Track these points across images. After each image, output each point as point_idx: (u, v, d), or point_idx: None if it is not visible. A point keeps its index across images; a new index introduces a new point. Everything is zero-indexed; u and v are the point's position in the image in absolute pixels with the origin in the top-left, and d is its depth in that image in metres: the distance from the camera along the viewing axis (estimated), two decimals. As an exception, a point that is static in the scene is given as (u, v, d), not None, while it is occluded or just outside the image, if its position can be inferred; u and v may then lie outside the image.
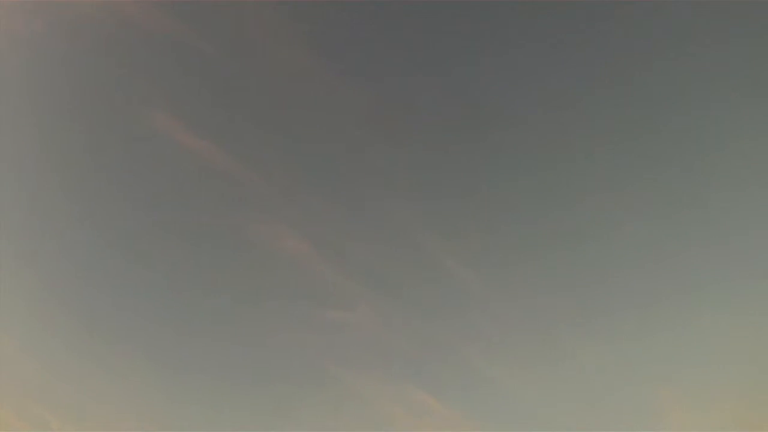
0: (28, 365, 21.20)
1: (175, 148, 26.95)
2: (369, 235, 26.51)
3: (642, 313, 22.63)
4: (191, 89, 27.81)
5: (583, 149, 25.25)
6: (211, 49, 28.26)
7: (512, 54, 26.83)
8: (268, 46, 28.37)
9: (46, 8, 26.89)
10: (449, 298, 24.66)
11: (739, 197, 22.64)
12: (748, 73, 23.52)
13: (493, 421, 21.70)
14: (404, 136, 27.18)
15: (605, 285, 23.53)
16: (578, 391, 22.38)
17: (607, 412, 21.35)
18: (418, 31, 27.12)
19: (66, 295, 23.71)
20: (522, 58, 26.67)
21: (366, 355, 23.81)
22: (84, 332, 22.69)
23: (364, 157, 27.47)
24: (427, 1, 26.09)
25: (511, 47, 26.82)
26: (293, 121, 28.32)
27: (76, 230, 25.57)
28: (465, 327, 24.00)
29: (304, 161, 28.07)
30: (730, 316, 21.01)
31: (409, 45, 27.93)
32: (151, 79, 28.41)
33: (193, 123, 27.58)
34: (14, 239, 23.74)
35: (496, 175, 26.04)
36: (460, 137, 26.85)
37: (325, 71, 27.95)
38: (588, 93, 25.60)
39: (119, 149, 26.82)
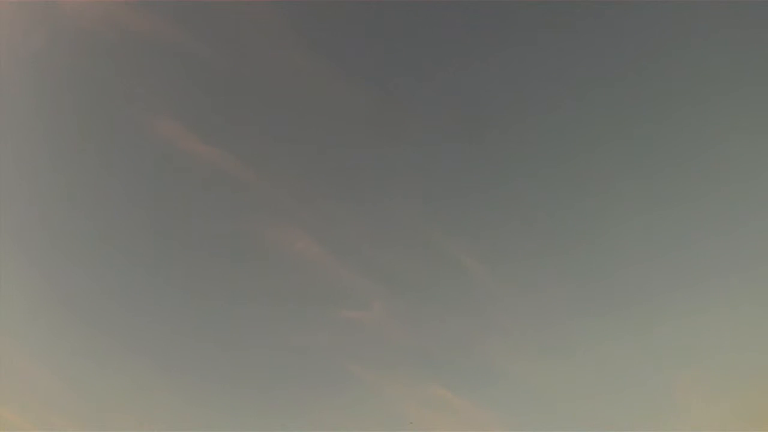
0: (35, 369, 20.84)
1: (184, 155, 26.89)
2: (381, 234, 26.38)
3: (656, 304, 22.54)
4: (198, 97, 27.79)
5: (592, 148, 25.38)
6: (217, 57, 28.32)
7: (518, 55, 26.99)
8: (275, 51, 28.48)
9: (47, 21, 26.97)
10: (464, 295, 24.49)
11: (743, 189, 22.83)
12: (741, 73, 23.93)
13: (513, 414, 21.43)
14: (415, 136, 27.15)
15: (619, 278, 23.48)
16: (595, 381, 22.16)
17: (624, 402, 21.14)
18: (424, 33, 27.34)
19: (80, 302, 23.38)
20: (528, 59, 26.84)
21: (383, 353, 23.54)
22: (98, 338, 22.36)
23: (374, 158, 27.40)
24: (432, 3, 26.46)
25: (513, 48, 27.06)
26: (302, 125, 28.21)
27: (89, 238, 25.34)
28: (481, 323, 23.83)
29: (314, 164, 27.96)
30: (742, 305, 20.99)
31: (414, 47, 28.07)
32: (159, 88, 28.39)
33: (201, 130, 27.51)
34: (24, 246, 23.50)
35: (506, 174, 26.07)
36: (471, 137, 26.89)
37: (333, 75, 27.97)
38: (590, 93, 25.87)
39: (130, 159, 26.67)
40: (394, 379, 23.02)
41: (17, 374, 20.39)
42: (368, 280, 24.47)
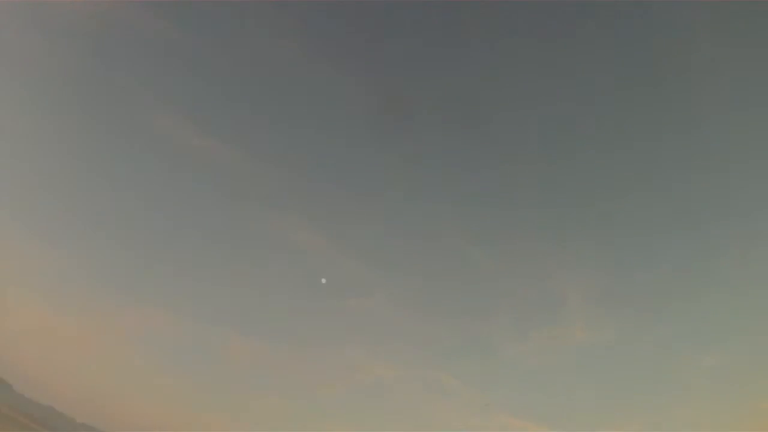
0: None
1: (185, 148, 27.90)
2: (380, 222, 27.57)
3: (655, 291, 23.67)
4: (197, 91, 28.83)
5: (583, 141, 26.42)
6: (215, 51, 29.38)
7: (509, 51, 28.23)
8: (273, 47, 29.48)
9: (42, 18, 27.94)
10: (465, 279, 25.74)
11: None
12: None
13: (516, 398, 22.63)
14: (411, 128, 28.49)
15: (620, 267, 24.64)
16: (601, 366, 23.43)
17: (631, 387, 22.31)
18: (420, 32, 28.36)
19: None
20: (518, 55, 28.08)
21: (386, 340, 24.69)
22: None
23: (371, 148, 28.83)
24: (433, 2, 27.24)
25: (509, 46, 28.17)
26: (299, 117, 29.64)
27: (86, 237, 26.51)
28: (482, 307, 25.04)
29: (312, 155, 29.40)
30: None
31: (410, 45, 29.26)
32: (157, 83, 29.43)
33: (201, 123, 28.72)
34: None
35: (501, 163, 27.40)
36: (464, 129, 28.33)
37: (331, 69, 29.25)
38: (589, 90, 26.78)
39: (130, 152, 27.79)
40: (398, 365, 24.15)
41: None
42: (370, 268, 25.60)
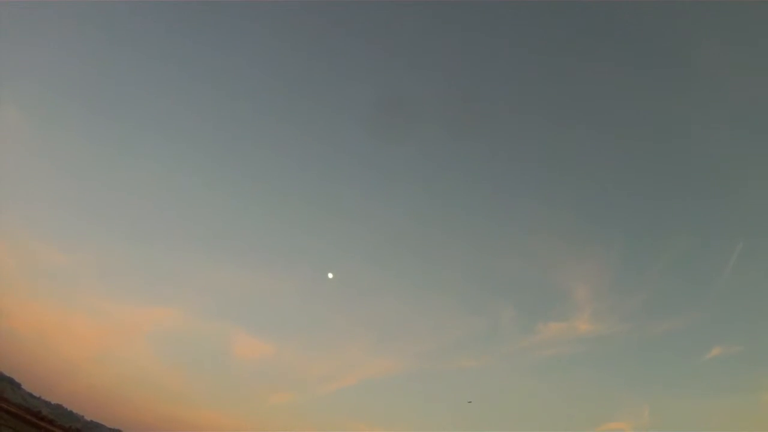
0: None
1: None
2: (381, 220, 26.79)
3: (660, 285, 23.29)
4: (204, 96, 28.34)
5: (586, 139, 25.94)
6: (218, 49, 28.93)
7: (502, 53, 27.64)
8: (277, 44, 29.01)
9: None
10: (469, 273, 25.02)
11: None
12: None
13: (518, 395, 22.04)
14: (408, 129, 28.09)
15: (626, 257, 24.07)
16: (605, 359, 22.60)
17: (636, 380, 21.81)
18: (420, 31, 27.89)
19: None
20: (512, 57, 27.51)
21: (389, 336, 24.10)
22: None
23: (371, 147, 28.32)
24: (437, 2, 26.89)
25: (508, 46, 27.61)
26: (299, 114, 29.15)
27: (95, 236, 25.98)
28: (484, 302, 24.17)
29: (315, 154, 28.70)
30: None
31: (411, 45, 28.74)
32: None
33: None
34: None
35: (505, 159, 26.82)
36: (462, 129, 27.82)
37: (328, 70, 28.85)
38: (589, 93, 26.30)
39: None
40: (397, 361, 23.80)
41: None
42: (373, 265, 25.31)
